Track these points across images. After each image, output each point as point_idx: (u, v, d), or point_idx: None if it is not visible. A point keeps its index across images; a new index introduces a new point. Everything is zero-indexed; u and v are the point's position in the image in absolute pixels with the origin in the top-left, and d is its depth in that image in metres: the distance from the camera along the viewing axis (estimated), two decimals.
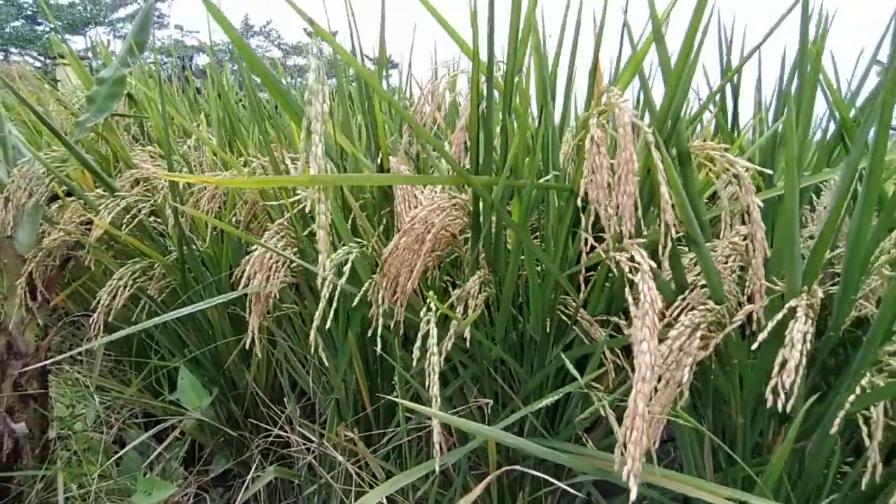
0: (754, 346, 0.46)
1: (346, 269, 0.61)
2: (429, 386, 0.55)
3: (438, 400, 0.55)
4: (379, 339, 0.69)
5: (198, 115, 1.29)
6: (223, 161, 0.97)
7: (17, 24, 8.59)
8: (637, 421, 0.41)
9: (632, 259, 0.48)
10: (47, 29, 9.37)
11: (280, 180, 0.51)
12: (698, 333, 0.50)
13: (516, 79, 0.61)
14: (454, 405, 0.91)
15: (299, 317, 1.01)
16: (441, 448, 0.55)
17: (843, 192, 0.48)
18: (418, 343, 0.57)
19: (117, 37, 9.62)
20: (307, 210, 0.74)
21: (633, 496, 0.41)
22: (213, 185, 0.93)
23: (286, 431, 0.99)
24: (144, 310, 1.03)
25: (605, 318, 0.73)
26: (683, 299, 0.56)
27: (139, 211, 0.91)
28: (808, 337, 0.46)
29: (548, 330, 0.75)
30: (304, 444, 0.91)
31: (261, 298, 0.72)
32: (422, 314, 0.59)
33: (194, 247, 1.02)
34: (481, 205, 0.65)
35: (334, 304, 0.62)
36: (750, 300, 0.57)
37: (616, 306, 0.75)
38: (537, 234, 0.84)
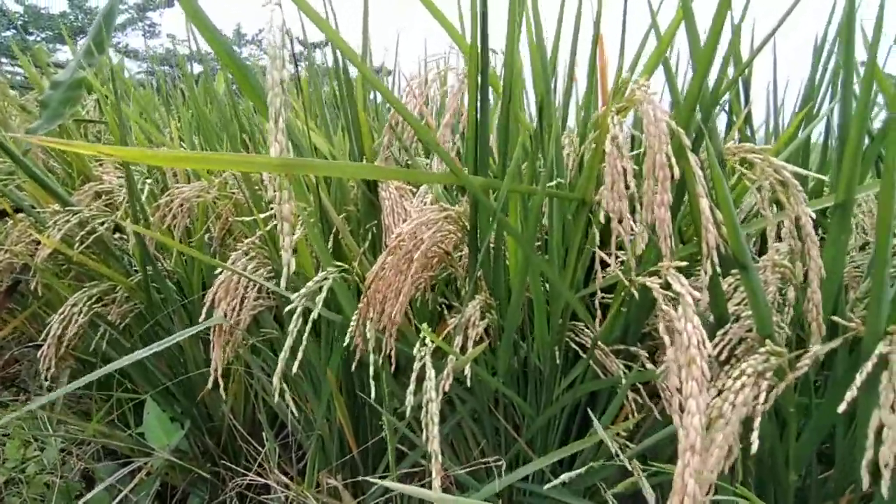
0: (841, 408, 0.37)
1: (320, 298, 0.52)
2: (427, 439, 0.45)
3: (439, 457, 0.45)
4: (364, 373, 0.60)
5: (171, 122, 1.21)
6: (195, 170, 0.88)
7: (7, 34, 8.57)
8: (686, 485, 0.32)
9: (667, 286, 0.39)
10: (38, 39, 9.34)
11: (236, 159, 0.42)
12: (764, 384, 0.41)
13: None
14: (451, 443, 0.82)
15: (280, 344, 0.92)
16: None
17: None
18: (411, 387, 0.48)
19: (109, 47, 9.55)
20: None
21: None
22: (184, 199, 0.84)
23: (263, 472, 0.90)
24: (105, 337, 0.93)
25: (620, 347, 0.64)
26: (724, 333, 0.47)
27: (96, 227, 0.82)
28: (893, 386, 0.37)
29: (557, 360, 0.66)
30: (281, 491, 0.81)
31: (223, 331, 0.63)
32: (415, 350, 0.50)
33: (161, 266, 0.93)
34: (479, 215, 0.57)
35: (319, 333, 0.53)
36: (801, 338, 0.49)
37: (633, 334, 0.66)
38: (539, 251, 0.76)
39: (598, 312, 0.58)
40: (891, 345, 0.37)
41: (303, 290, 0.52)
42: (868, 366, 0.36)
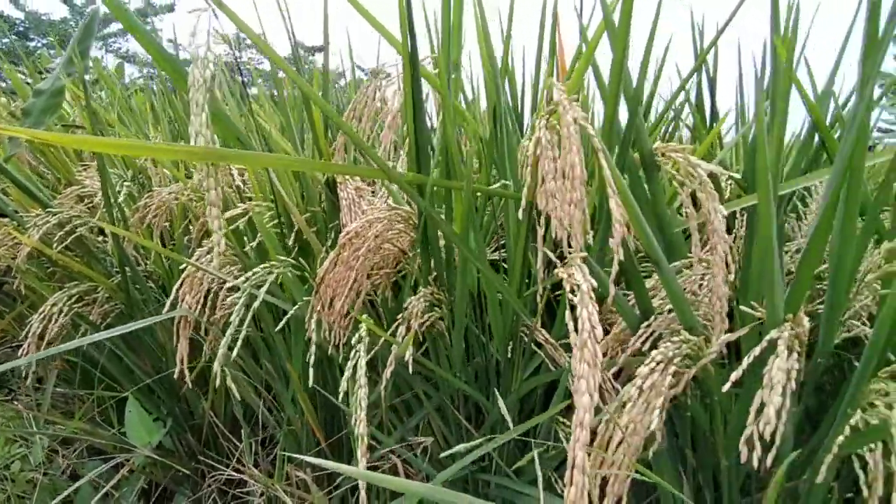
0: (725, 387, 0.40)
1: (263, 290, 0.56)
2: (355, 422, 0.49)
3: (366, 440, 0.49)
4: (335, 368, 0.63)
5: (158, 126, 1.25)
6: (172, 173, 0.92)
7: (7, 40, 8.70)
8: (576, 475, 0.35)
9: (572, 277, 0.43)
10: (39, 45, 9.48)
11: (161, 148, 0.46)
12: (671, 369, 0.44)
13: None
14: (420, 436, 0.85)
15: (257, 342, 0.96)
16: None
17: (831, 203, 0.42)
18: (346, 374, 0.52)
19: (109, 51, 9.71)
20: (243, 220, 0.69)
21: None
22: (161, 201, 0.88)
23: (241, 468, 0.93)
24: (86, 336, 0.97)
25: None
26: (648, 326, 0.50)
27: (75, 228, 0.86)
28: (794, 374, 0.41)
29: (509, 354, 0.69)
30: (254, 485, 0.85)
31: (188, 323, 0.66)
32: (353, 341, 0.54)
33: (141, 266, 0.97)
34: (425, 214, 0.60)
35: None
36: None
37: None
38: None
39: (540, 308, 0.61)
40: (782, 332, 0.40)
41: (249, 279, 0.56)
42: (756, 350, 0.39)
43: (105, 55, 9.83)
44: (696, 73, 0.86)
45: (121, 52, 10.07)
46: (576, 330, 0.39)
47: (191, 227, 1.01)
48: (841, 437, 0.40)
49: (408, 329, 0.57)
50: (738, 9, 0.70)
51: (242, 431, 1.01)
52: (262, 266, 0.59)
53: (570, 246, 0.47)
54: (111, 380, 1.11)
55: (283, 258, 0.61)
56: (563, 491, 0.57)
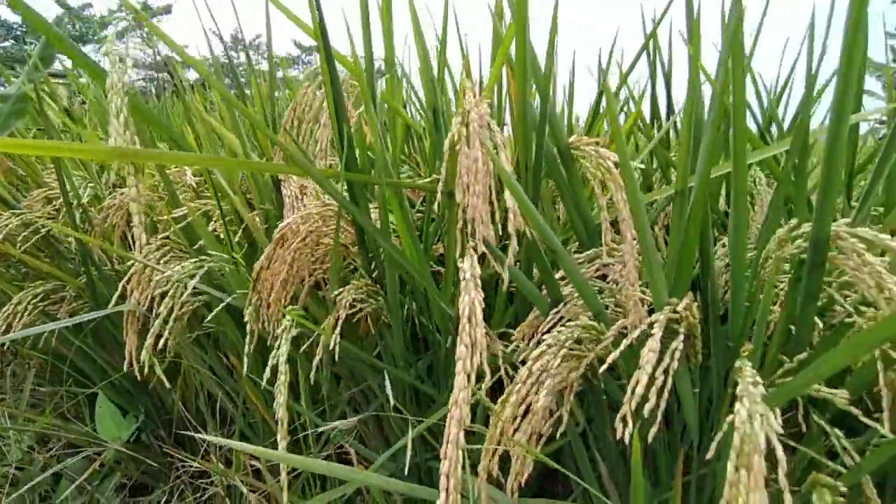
0: (601, 369, 0.43)
1: (191, 283, 0.59)
2: (276, 407, 0.52)
3: (285, 423, 0.51)
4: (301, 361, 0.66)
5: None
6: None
7: (6, 44, 8.78)
8: (450, 450, 0.38)
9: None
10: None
11: (74, 147, 0.49)
12: (562, 352, 0.46)
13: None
14: (370, 429, 0.88)
15: (219, 337, 0.99)
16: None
17: (699, 191, 0.45)
18: (271, 362, 0.54)
19: (106, 55, 9.75)
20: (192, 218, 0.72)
21: None
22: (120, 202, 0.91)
23: (208, 460, 0.96)
24: (55, 334, 1.01)
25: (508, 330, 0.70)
26: (557, 313, 0.53)
27: (40, 228, 0.89)
28: (676, 355, 0.43)
29: (449, 344, 0.71)
30: (214, 475, 0.88)
31: (136, 317, 0.69)
32: (279, 331, 0.56)
33: (107, 266, 1.00)
34: (360, 208, 0.62)
35: None
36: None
37: (523, 318, 0.72)
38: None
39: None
40: (659, 316, 0.42)
41: (183, 271, 0.59)
42: (636, 333, 0.42)
43: (102, 58, 9.88)
44: (652, 69, 0.88)
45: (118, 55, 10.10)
46: (461, 315, 0.41)
47: (158, 226, 1.04)
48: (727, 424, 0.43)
49: (335, 320, 0.59)
50: (661, 21, 0.73)
51: (208, 424, 1.04)
52: (191, 260, 0.62)
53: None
54: (85, 377, 1.14)
55: (214, 252, 0.64)
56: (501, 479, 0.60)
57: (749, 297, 0.54)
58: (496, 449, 0.46)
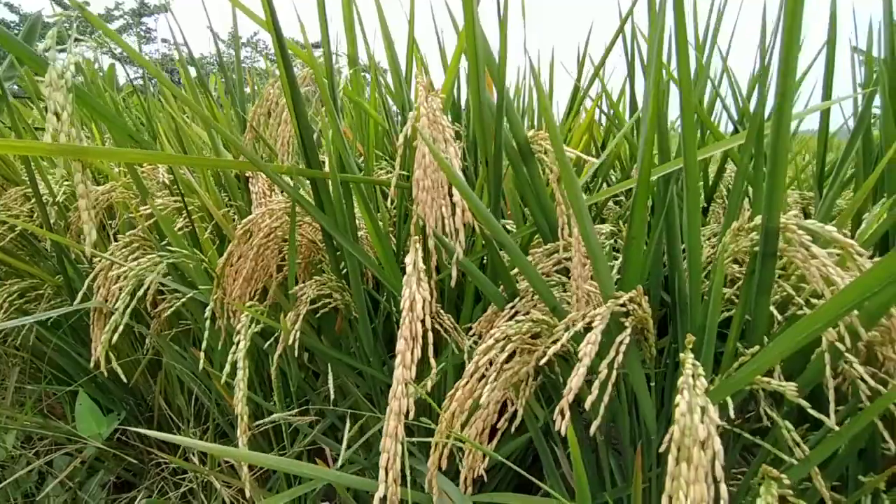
0: (542, 360, 0.43)
1: (153, 277, 0.59)
2: (236, 403, 0.52)
3: (244, 419, 0.52)
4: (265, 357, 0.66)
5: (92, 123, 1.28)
6: (108, 173, 0.95)
7: None
8: (388, 442, 0.38)
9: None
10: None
11: (16, 145, 0.48)
12: (509, 346, 0.46)
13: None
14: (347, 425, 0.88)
15: (192, 334, 0.99)
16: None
17: (642, 181, 0.45)
18: (230, 357, 0.55)
19: (104, 53, 9.77)
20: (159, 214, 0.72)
21: None
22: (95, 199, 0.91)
23: (187, 458, 0.97)
24: (33, 331, 1.01)
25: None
26: (512, 307, 0.53)
27: (13, 228, 0.90)
28: (622, 348, 0.43)
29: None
30: (191, 472, 0.88)
31: (102, 314, 0.70)
32: (238, 326, 0.57)
33: (83, 265, 1.00)
34: (323, 202, 0.62)
35: None
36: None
37: None
38: None
39: (435, 295, 0.64)
40: (601, 309, 0.42)
41: (134, 266, 0.59)
42: (578, 325, 0.42)
43: (101, 56, 9.88)
44: (630, 62, 0.87)
45: (116, 53, 10.14)
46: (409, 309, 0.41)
47: (135, 223, 1.04)
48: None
49: (296, 316, 0.60)
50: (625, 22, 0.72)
51: (190, 422, 1.04)
52: (148, 256, 0.62)
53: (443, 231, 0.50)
54: (67, 375, 1.15)
55: (173, 248, 0.64)
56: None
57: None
58: (445, 444, 0.46)
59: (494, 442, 0.50)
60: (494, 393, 0.48)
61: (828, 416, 0.44)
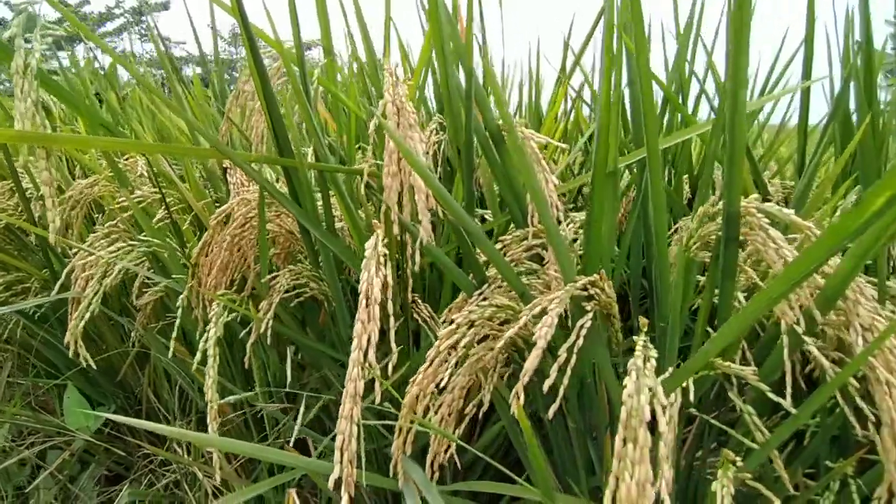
0: (498, 345, 0.43)
1: (119, 266, 0.60)
2: (206, 391, 0.52)
3: (215, 406, 0.52)
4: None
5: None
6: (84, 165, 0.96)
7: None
8: (343, 424, 0.38)
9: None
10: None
11: None
12: (471, 331, 0.47)
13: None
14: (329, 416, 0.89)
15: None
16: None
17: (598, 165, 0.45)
18: (202, 346, 0.55)
19: (105, 51, 9.79)
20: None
21: None
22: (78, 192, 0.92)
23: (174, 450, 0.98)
24: (19, 325, 1.02)
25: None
26: (480, 294, 0.53)
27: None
28: (583, 332, 0.43)
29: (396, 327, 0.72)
30: (176, 464, 0.89)
31: (78, 303, 0.70)
32: (211, 316, 0.57)
33: (69, 259, 1.01)
34: (297, 192, 0.63)
35: None
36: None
37: None
38: None
39: (410, 283, 0.64)
40: (555, 294, 0.43)
41: (102, 255, 0.59)
42: (536, 309, 0.42)
43: (101, 55, 9.92)
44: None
45: (117, 51, 10.18)
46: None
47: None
48: None
49: (269, 305, 0.60)
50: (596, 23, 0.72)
51: (175, 413, 1.05)
52: (118, 244, 0.62)
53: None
54: (56, 369, 1.16)
55: (145, 237, 0.65)
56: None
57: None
58: (409, 428, 0.46)
59: (462, 428, 0.51)
60: (459, 378, 0.48)
61: (794, 400, 0.44)
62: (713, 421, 0.53)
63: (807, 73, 0.69)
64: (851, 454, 0.58)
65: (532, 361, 0.39)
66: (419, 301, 0.70)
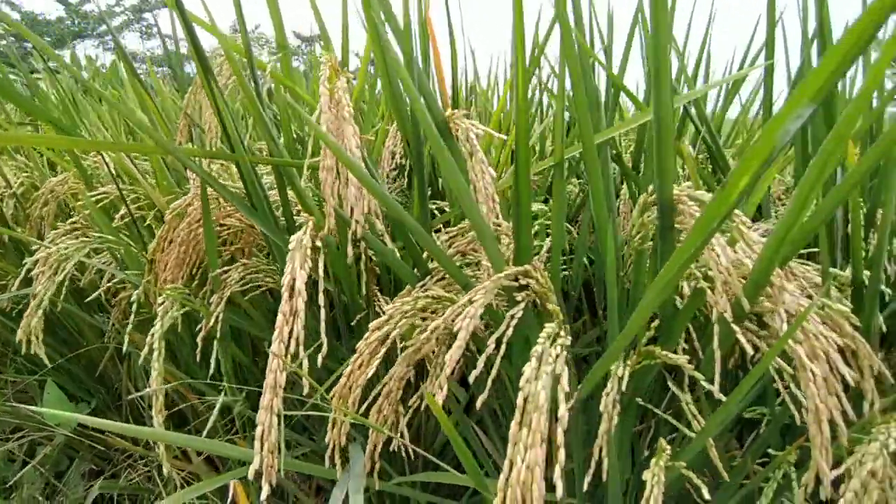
0: (425, 334, 0.43)
1: (70, 264, 0.60)
2: (151, 384, 0.53)
3: (160, 398, 0.53)
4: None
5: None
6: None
7: (4, 42, 8.84)
8: (262, 415, 0.38)
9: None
10: (34, 46, 9.62)
11: None
12: (402, 322, 0.47)
13: None
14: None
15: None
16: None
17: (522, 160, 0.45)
18: (148, 338, 0.56)
19: (106, 49, 9.86)
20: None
21: (262, 495, 0.38)
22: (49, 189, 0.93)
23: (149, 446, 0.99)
24: None
25: None
26: (423, 286, 0.53)
27: None
28: (513, 322, 0.43)
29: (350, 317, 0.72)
30: (145, 458, 0.90)
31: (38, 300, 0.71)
32: (158, 310, 0.58)
33: None
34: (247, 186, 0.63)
35: None
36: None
37: None
38: None
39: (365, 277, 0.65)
40: (488, 283, 0.43)
41: (53, 252, 0.60)
42: (463, 300, 0.42)
43: (101, 52, 9.96)
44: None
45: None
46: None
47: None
48: None
49: (220, 298, 0.60)
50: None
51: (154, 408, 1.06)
52: (69, 241, 0.63)
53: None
54: (35, 365, 1.17)
55: (98, 234, 0.65)
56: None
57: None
58: (343, 421, 0.46)
59: (406, 419, 0.51)
60: (398, 369, 0.49)
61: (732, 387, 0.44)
62: (657, 411, 0.53)
63: (769, 54, 0.68)
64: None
65: (455, 352, 0.39)
66: (379, 294, 0.70)
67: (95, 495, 0.91)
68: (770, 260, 0.38)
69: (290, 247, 0.42)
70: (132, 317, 0.62)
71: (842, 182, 0.35)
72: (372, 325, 0.46)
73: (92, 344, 1.11)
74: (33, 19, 9.25)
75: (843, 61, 0.21)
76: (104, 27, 9.90)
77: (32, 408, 0.58)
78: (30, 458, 1.13)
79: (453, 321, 0.39)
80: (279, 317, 0.40)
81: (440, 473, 0.47)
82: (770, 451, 0.53)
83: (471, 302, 0.41)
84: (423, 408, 0.52)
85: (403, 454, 0.53)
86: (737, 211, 0.42)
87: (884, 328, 0.56)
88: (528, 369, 0.35)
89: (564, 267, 0.79)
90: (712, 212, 0.30)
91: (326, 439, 0.47)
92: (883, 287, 0.60)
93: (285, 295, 0.40)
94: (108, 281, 0.80)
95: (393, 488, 0.60)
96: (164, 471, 0.54)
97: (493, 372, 0.43)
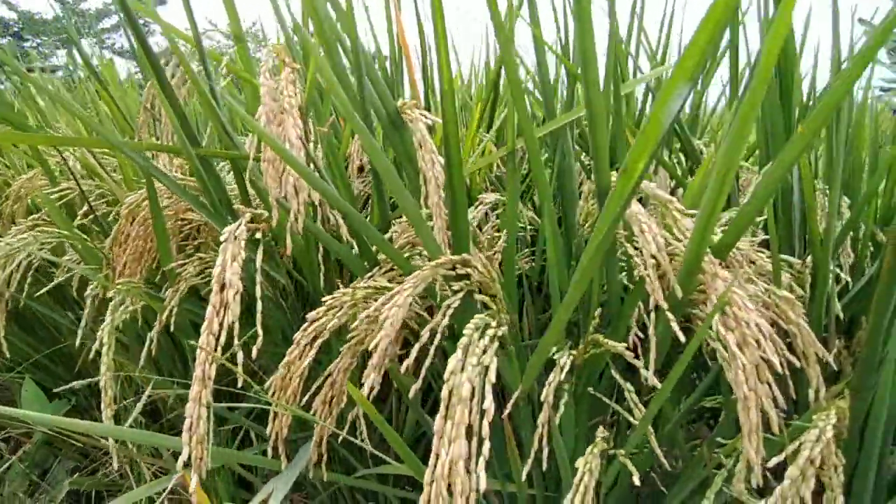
0: (362, 317, 0.43)
1: (20, 258, 0.60)
2: (101, 380, 0.53)
3: (109, 392, 0.53)
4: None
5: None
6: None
7: (3, 41, 8.87)
8: (191, 406, 0.38)
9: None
10: (35, 45, 9.64)
11: None
12: (340, 313, 0.47)
13: None
14: None
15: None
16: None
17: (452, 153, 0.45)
18: (100, 331, 0.56)
19: (104, 48, 9.84)
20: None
21: (191, 486, 0.39)
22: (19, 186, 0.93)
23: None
24: None
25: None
26: (371, 277, 0.53)
27: None
28: (451, 311, 0.43)
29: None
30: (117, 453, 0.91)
31: (3, 297, 0.71)
32: (111, 304, 0.58)
33: None
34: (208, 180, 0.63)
35: None
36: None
37: None
38: None
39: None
40: (426, 270, 0.43)
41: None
42: (394, 290, 0.42)
43: (100, 51, 9.95)
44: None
45: (115, 47, 10.22)
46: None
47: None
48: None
49: (175, 293, 0.60)
50: None
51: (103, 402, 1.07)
52: (19, 237, 0.63)
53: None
54: (12, 362, 1.17)
55: (55, 229, 0.65)
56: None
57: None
58: (286, 413, 0.46)
59: (353, 412, 0.51)
60: (342, 361, 0.49)
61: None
62: (606, 400, 0.52)
63: (733, 38, 0.68)
64: None
65: (381, 342, 0.39)
66: (341, 286, 0.70)
67: (67, 490, 0.91)
68: (699, 245, 0.38)
69: (222, 238, 0.42)
70: (94, 312, 0.62)
71: (782, 153, 0.35)
72: (310, 315, 0.46)
73: (68, 340, 1.11)
74: (30, 19, 9.27)
75: (711, 39, 0.21)
76: (102, 25, 9.91)
77: (4, 408, 0.58)
78: (14, 456, 1.14)
79: (380, 311, 0.39)
80: (209, 309, 0.40)
81: (386, 466, 0.47)
82: (719, 439, 0.53)
83: (399, 292, 0.41)
84: (392, 400, 0.52)
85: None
86: (671, 198, 0.42)
87: (841, 315, 0.56)
88: (453, 361, 0.35)
89: (532, 256, 0.79)
90: (618, 193, 0.30)
91: (268, 430, 0.47)
92: (842, 274, 0.59)
93: (215, 287, 0.40)
94: (70, 276, 0.81)
95: (360, 483, 0.60)
96: (115, 465, 0.54)
97: (427, 361, 0.43)
